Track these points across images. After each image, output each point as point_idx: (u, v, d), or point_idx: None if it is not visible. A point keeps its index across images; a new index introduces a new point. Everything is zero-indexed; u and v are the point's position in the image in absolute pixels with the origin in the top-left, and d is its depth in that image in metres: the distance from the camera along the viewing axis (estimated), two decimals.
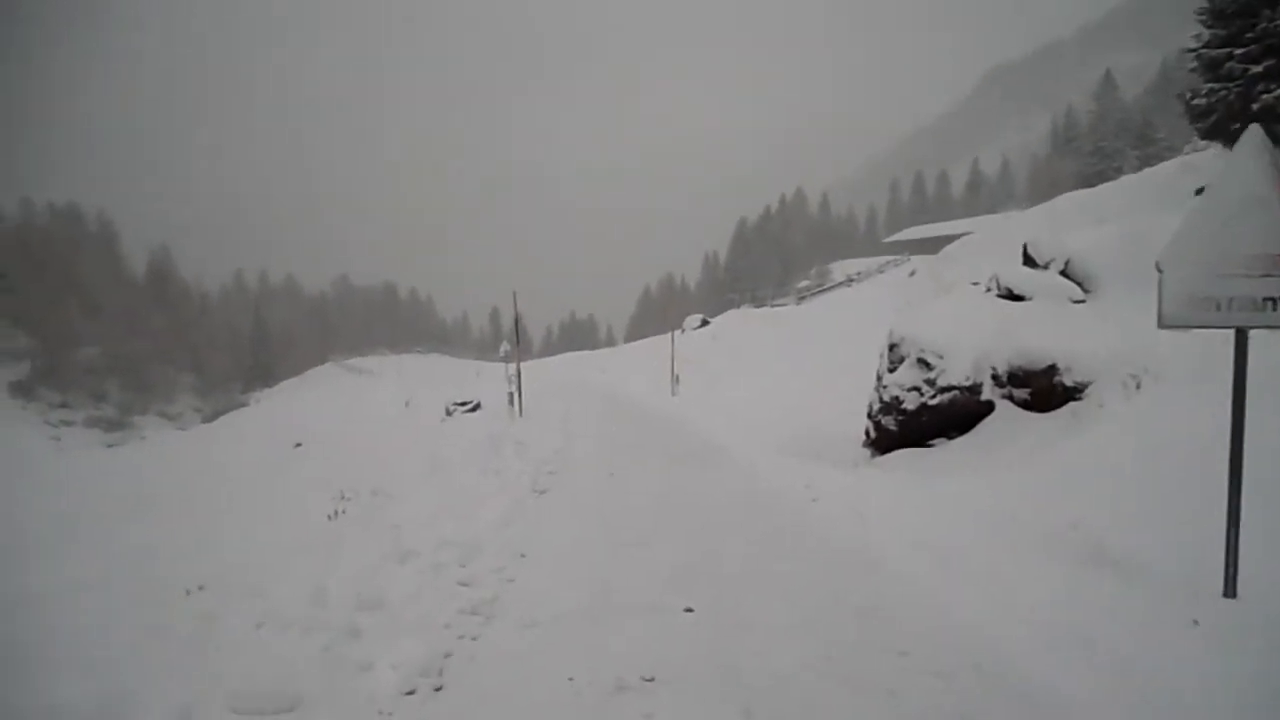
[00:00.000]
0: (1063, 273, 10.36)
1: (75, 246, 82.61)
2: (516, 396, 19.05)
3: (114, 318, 78.34)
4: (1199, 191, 28.01)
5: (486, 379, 48.25)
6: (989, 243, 35.70)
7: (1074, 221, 30.99)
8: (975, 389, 9.15)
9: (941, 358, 9.27)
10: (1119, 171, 58.97)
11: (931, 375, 9.31)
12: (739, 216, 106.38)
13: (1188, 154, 47.50)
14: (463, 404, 31.49)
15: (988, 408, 9.16)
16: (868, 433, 10.41)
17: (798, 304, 50.63)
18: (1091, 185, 47.75)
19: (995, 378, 9.15)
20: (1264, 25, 24.53)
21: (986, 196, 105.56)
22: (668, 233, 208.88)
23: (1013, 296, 10.20)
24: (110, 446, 58.79)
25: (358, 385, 70.24)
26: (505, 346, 49.68)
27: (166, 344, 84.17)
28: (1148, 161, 56.69)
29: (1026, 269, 10.69)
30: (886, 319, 32.63)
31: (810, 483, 8.35)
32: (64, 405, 69.69)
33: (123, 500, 21.06)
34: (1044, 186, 72.69)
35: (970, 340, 9.27)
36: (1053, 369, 8.79)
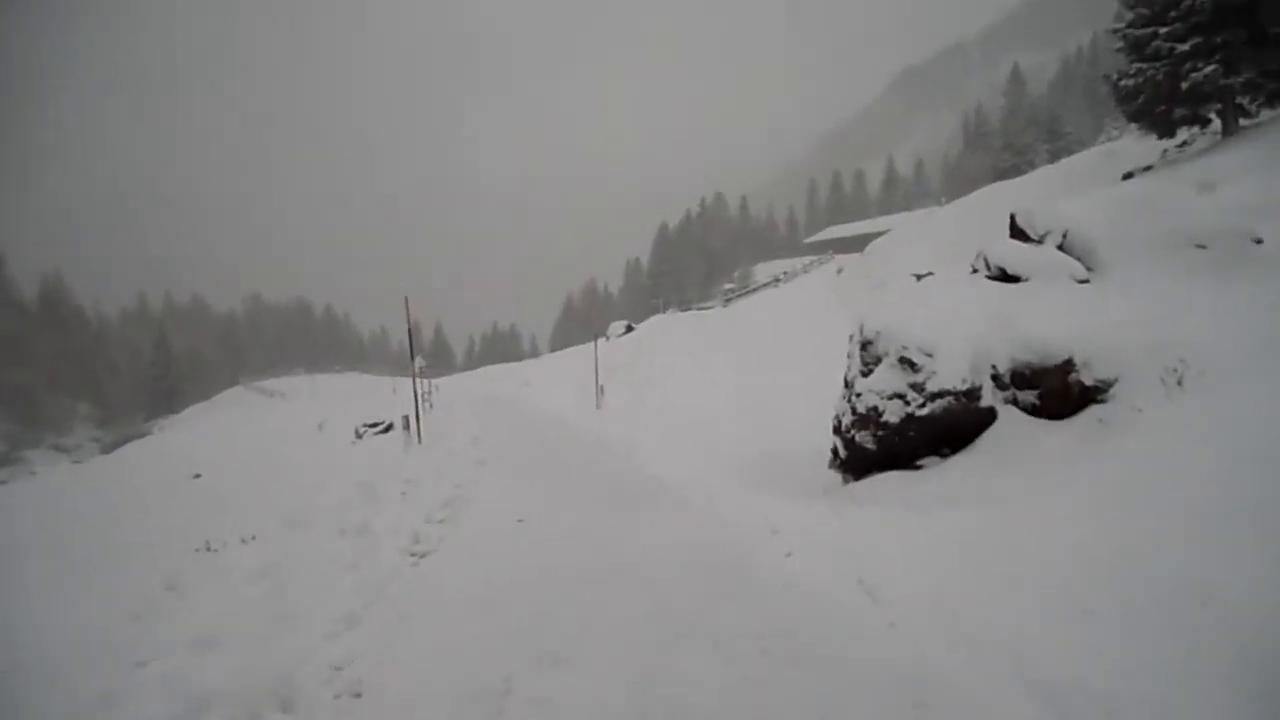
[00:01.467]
0: (1060, 247, 8.64)
1: None
2: (414, 421, 16.60)
3: (1, 346, 73.61)
4: (1127, 176, 27.52)
5: (403, 396, 45.74)
6: (915, 236, 34.81)
7: (1002, 214, 30.05)
8: (973, 393, 7.31)
9: (930, 356, 7.39)
10: (1031, 165, 59.65)
11: (918, 378, 7.42)
12: (659, 221, 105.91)
13: (1102, 143, 48.08)
14: (374, 425, 29.53)
15: (988, 416, 7.34)
16: (836, 451, 8.50)
17: (724, 306, 49.15)
18: (1006, 179, 47.79)
19: (996, 378, 7.34)
20: (1188, 3, 23.88)
21: (903, 195, 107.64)
22: (589, 239, 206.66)
23: (1005, 277, 8.44)
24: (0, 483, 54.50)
25: (268, 408, 67.30)
26: (419, 361, 47.11)
27: (59, 371, 79.84)
28: (1057, 155, 57.44)
29: (1019, 244, 8.94)
30: (823, 316, 31.51)
31: (776, 525, 6.46)
32: None
33: None
34: (959, 183, 74.20)
35: (963, 333, 7.43)
36: (1068, 365, 7.02)
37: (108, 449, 67.46)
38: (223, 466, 29.13)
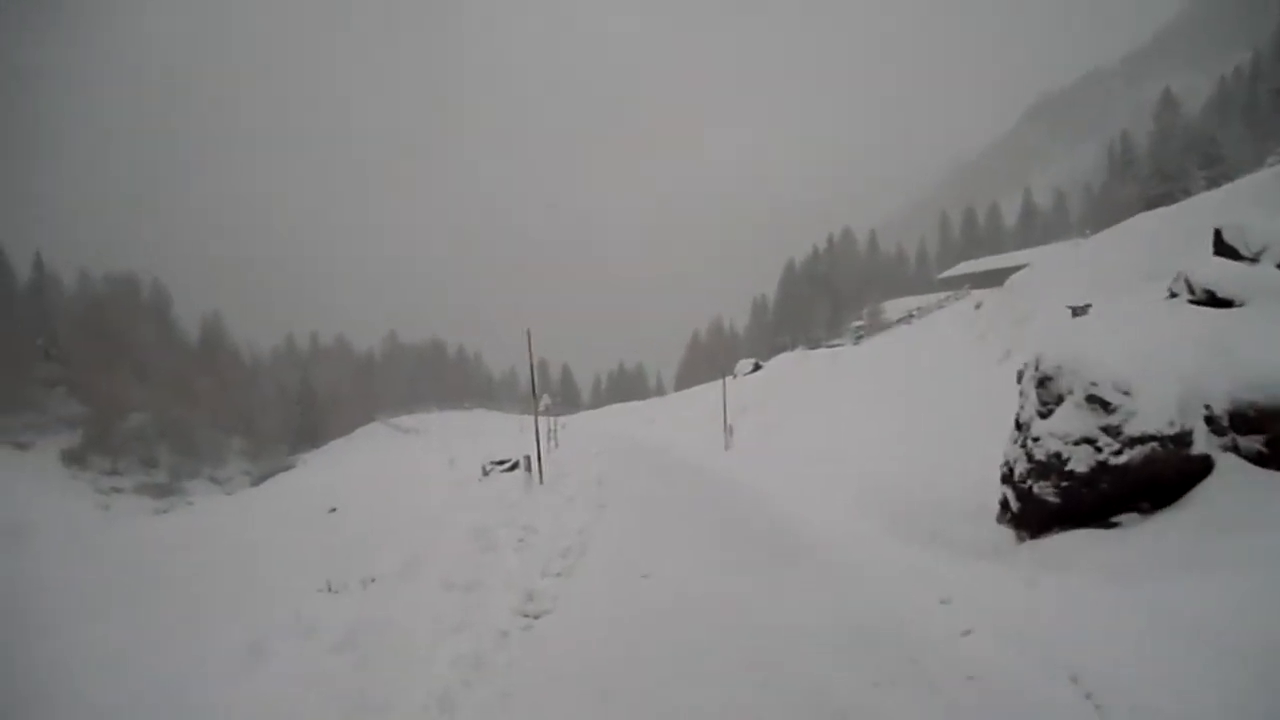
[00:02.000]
0: None
1: (129, 314, 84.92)
2: (535, 462, 16.18)
3: (165, 383, 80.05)
4: None
5: (530, 434, 46.14)
6: (1062, 268, 32.56)
7: (1169, 240, 27.81)
8: (1183, 439, 6.20)
9: (1127, 394, 6.31)
10: (1185, 193, 55.52)
11: (1112, 420, 6.35)
12: (786, 258, 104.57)
13: (1271, 164, 44.13)
14: (500, 463, 29.64)
15: (1202, 465, 6.21)
16: (1005, 504, 7.46)
17: (855, 344, 47.49)
18: (1154, 208, 44.56)
19: (1211, 420, 6.22)
20: None
21: (1041, 228, 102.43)
22: (716, 277, 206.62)
23: (1215, 301, 7.29)
24: (160, 513, 58.28)
25: (402, 443, 69.38)
26: (546, 399, 47.51)
27: (216, 407, 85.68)
28: (1215, 182, 53.29)
29: (1230, 263, 7.72)
30: (963, 353, 29.76)
31: (944, 593, 5.54)
32: (114, 472, 70.08)
33: (116, 585, 19.05)
34: (1104, 213, 70.23)
35: (1168, 366, 6.34)
36: None
37: (256, 481, 71.48)
38: (357, 501, 29.96)
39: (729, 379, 46.90)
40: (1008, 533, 7.40)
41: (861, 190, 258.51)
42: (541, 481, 15.10)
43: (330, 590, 8.73)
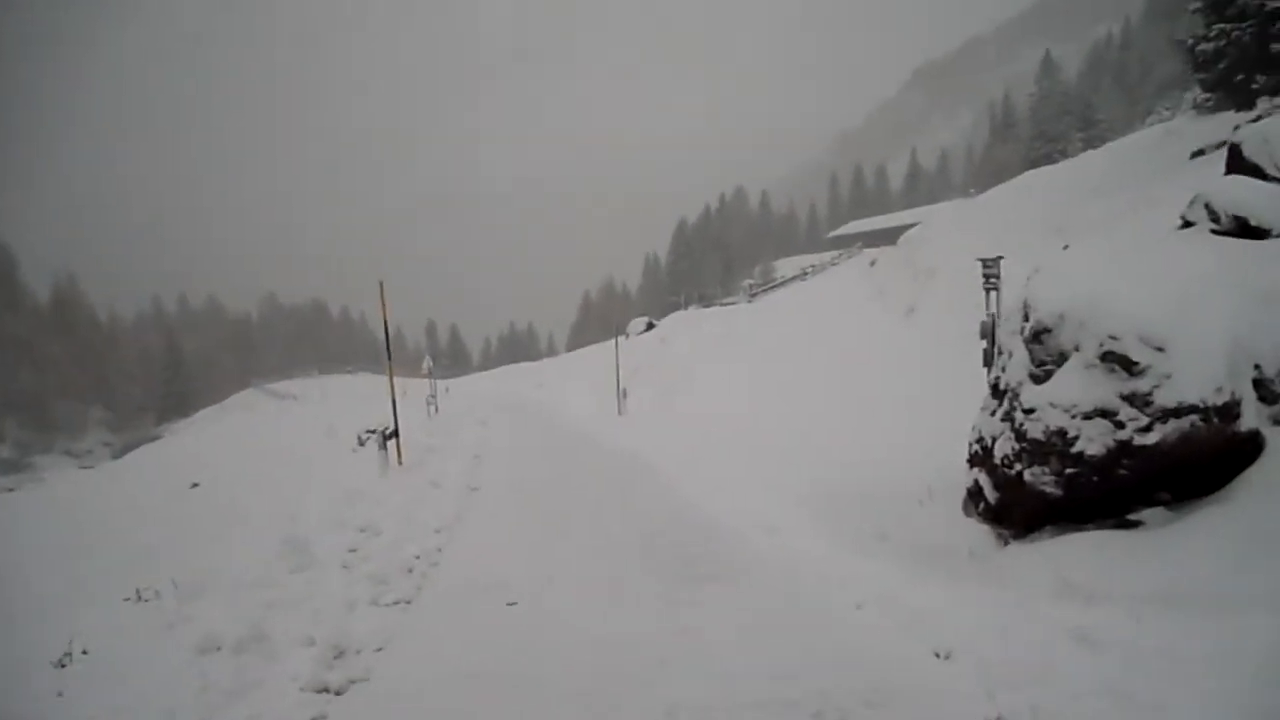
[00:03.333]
0: None
1: None
2: (389, 439, 13.29)
3: (12, 350, 73.23)
4: (1197, 154, 24.67)
5: (414, 397, 43.63)
6: (957, 225, 32.05)
7: (1064, 193, 27.49)
8: (1229, 410, 4.64)
9: (1161, 350, 4.69)
10: (1064, 154, 56.98)
11: (1139, 386, 4.68)
12: (679, 217, 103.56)
13: (1151, 125, 45.15)
14: (375, 430, 27.30)
15: (1250, 445, 4.70)
16: (978, 492, 5.77)
17: (749, 301, 46.43)
18: (1035, 168, 45.13)
19: (1261, 385, 4.72)
20: None
21: (927, 189, 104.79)
22: (606, 237, 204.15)
23: (1247, 231, 5.78)
24: (5, 491, 53.18)
25: (279, 411, 65.73)
26: (429, 361, 44.72)
27: (71, 375, 79.50)
28: (1091, 143, 54.86)
29: (1260, 183, 6.20)
30: (864, 309, 28.80)
31: (937, 640, 3.85)
32: None
33: None
34: (987, 174, 72.00)
35: (1209, 314, 4.80)
36: None
37: (118, 454, 66.59)
38: (221, 475, 27.16)
39: (622, 338, 45.27)
40: (982, 530, 5.81)
41: (754, 154, 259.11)
42: (401, 461, 12.78)
43: (139, 599, 6.68)
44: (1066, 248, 20.91)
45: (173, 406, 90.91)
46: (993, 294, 19.04)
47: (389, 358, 13.53)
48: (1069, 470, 4.89)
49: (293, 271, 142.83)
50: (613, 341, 43.26)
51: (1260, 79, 22.88)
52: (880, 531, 6.10)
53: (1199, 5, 23.69)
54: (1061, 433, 4.89)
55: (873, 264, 36.96)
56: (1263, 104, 24.41)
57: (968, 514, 6.10)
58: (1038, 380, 5.18)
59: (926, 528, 6.05)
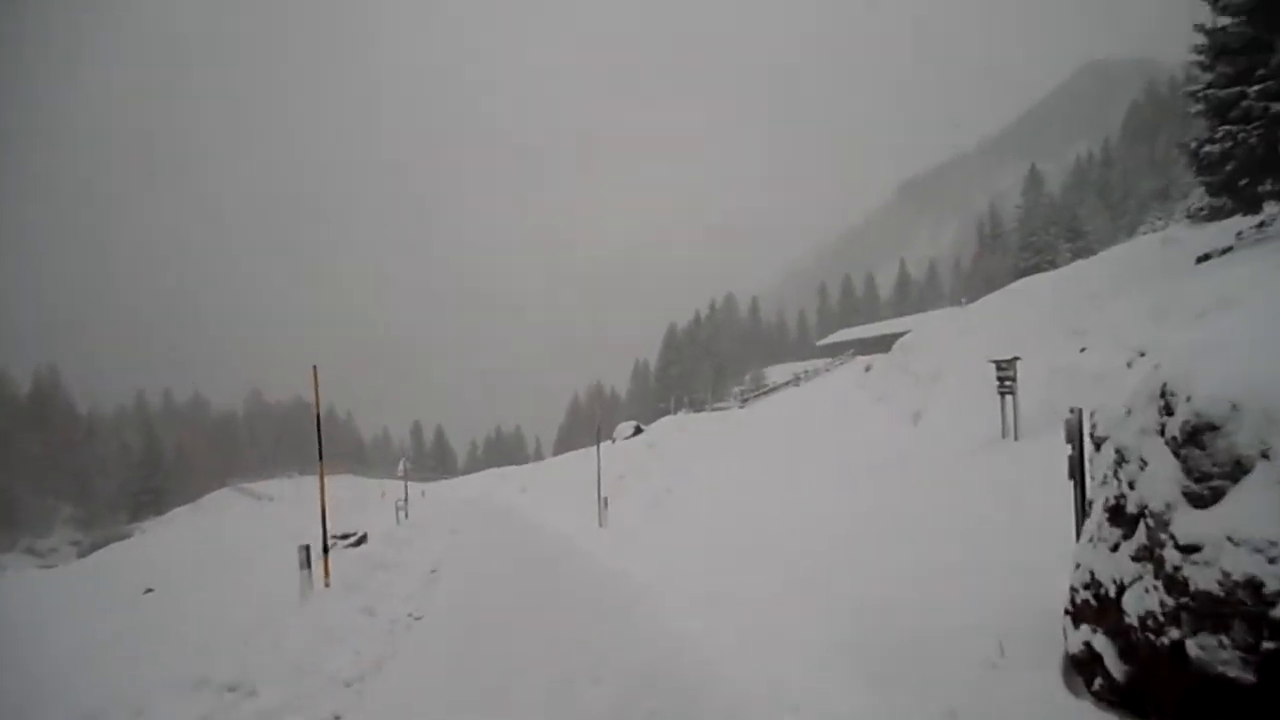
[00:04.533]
0: None
1: None
2: (311, 558, 10.58)
3: None
4: (1202, 259, 23.79)
5: (393, 500, 41.72)
6: (952, 331, 31.12)
7: (1070, 297, 26.50)
8: None
9: None
10: (1052, 264, 57.34)
11: None
12: (668, 323, 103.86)
13: (1144, 234, 45.06)
14: (345, 536, 25.57)
15: None
16: (1091, 661, 4.00)
17: (741, 406, 45.02)
18: (1023, 278, 44.99)
19: None
20: (1278, 60, 20.63)
21: (916, 297, 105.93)
22: (596, 343, 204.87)
23: None
24: None
25: (254, 512, 63.66)
26: (404, 463, 42.86)
27: (44, 471, 77.37)
28: (1079, 254, 55.12)
29: None
30: (864, 416, 27.23)
31: None
32: None
33: None
34: (975, 284, 72.80)
35: None
36: None
37: (85, 551, 64.53)
38: (182, 579, 25.32)
39: (608, 444, 43.52)
40: None
41: (743, 265, 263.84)
42: (328, 584, 10.73)
43: None
44: (1084, 350, 19.74)
45: (148, 504, 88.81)
46: (1008, 397, 17.57)
47: (320, 456, 11.74)
48: (1267, 644, 3.21)
49: (281, 368, 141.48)
50: (603, 445, 41.60)
51: (1268, 183, 22.10)
52: (948, 709, 4.34)
53: (1202, 108, 23.05)
54: (1253, 585, 3.23)
55: (868, 369, 35.92)
56: (1269, 208, 23.68)
57: (1073, 689, 4.33)
58: (1200, 502, 3.55)
59: (1012, 706, 4.30)
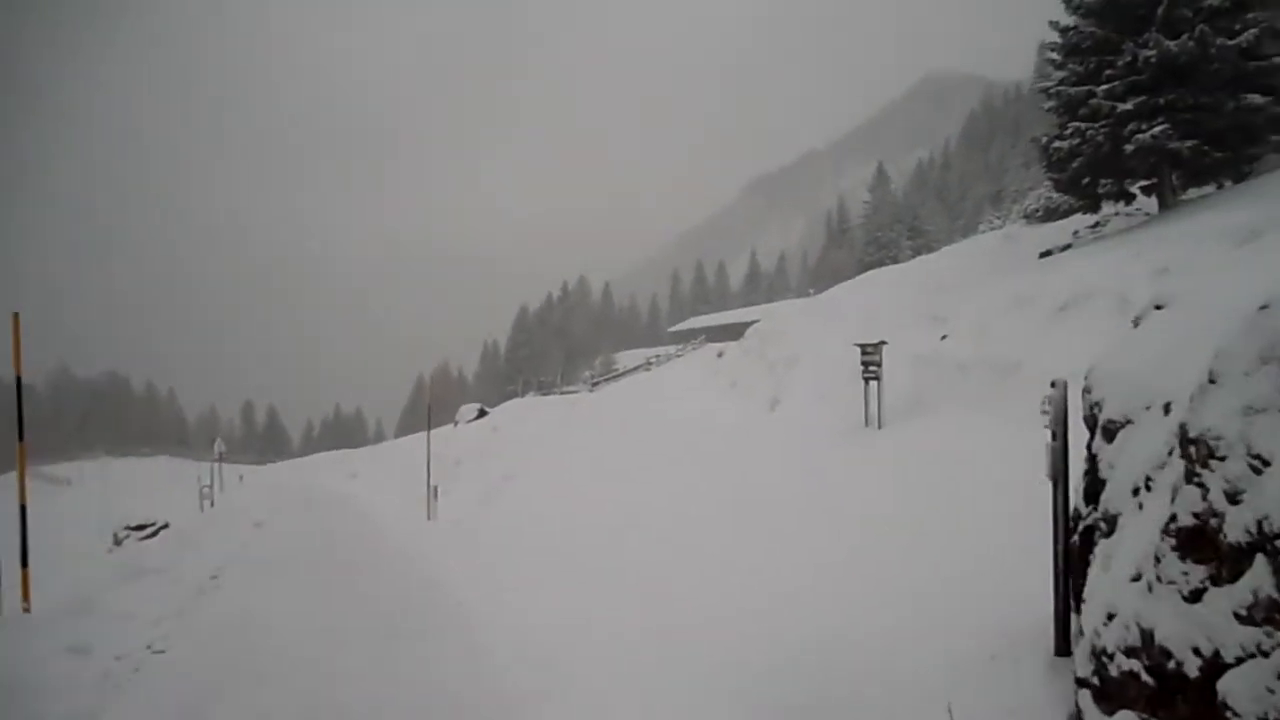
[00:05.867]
0: None
1: None
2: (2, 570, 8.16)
3: None
4: (1044, 254, 24.18)
5: (218, 483, 37.50)
6: (806, 319, 30.75)
7: (921, 286, 26.42)
8: None
9: None
10: (894, 260, 59.25)
11: None
12: (520, 305, 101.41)
13: (982, 232, 46.73)
14: (141, 527, 22.44)
15: None
16: (1120, 694, 2.63)
17: (591, 390, 43.52)
18: (868, 271, 46.12)
19: None
20: (1126, 60, 20.87)
21: (765, 288, 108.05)
22: (445, 323, 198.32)
23: None
24: None
25: (50, 498, 56.62)
26: (218, 444, 38.77)
27: None
28: (919, 251, 57.16)
29: None
30: (718, 402, 26.20)
31: None
32: None
33: None
34: (823, 277, 74.50)
35: None
36: None
37: None
38: None
39: (450, 427, 40.98)
40: None
41: (596, 251, 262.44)
42: (27, 606, 8.02)
43: None
44: (945, 338, 19.29)
45: None
46: (873, 383, 16.73)
47: (20, 435, 9.07)
48: None
49: (93, 340, 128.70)
50: (444, 428, 39.04)
51: (1109, 183, 22.48)
52: None
53: (1054, 105, 23.17)
54: None
55: (720, 355, 35.27)
56: (1107, 207, 24.24)
57: None
58: None
59: None
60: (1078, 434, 4.11)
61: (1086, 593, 3.23)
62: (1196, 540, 2.82)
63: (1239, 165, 20.91)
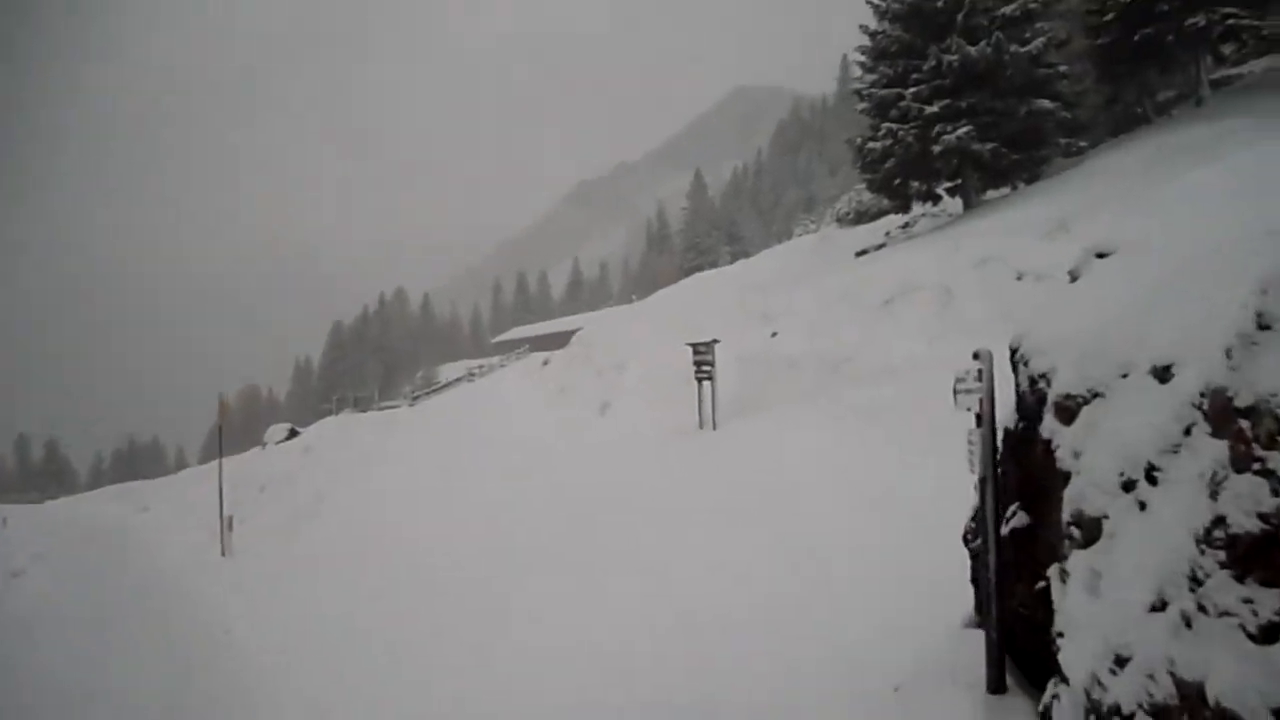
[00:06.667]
0: None
1: None
2: None
3: None
4: (860, 253, 24.99)
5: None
6: (631, 325, 30.45)
7: (736, 291, 26.64)
8: None
9: None
10: (713, 265, 60.39)
11: None
12: (333, 320, 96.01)
13: (799, 236, 48.36)
14: None
15: None
16: None
17: (411, 405, 41.29)
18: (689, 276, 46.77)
19: None
20: (931, 65, 21.79)
21: (588, 296, 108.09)
22: (254, 342, 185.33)
23: None
24: None
25: None
26: None
27: None
28: (737, 256, 58.53)
29: None
30: (547, 407, 25.09)
31: None
32: None
33: None
34: (644, 283, 75.07)
35: None
36: None
37: None
38: None
39: (258, 449, 37.63)
40: None
41: (414, 264, 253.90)
42: None
43: None
44: (775, 335, 19.21)
45: None
46: (706, 383, 16.26)
47: None
48: None
49: None
50: (252, 451, 35.66)
51: (918, 183, 23.35)
52: None
53: (866, 106, 23.83)
54: None
55: (545, 364, 34.39)
56: (918, 207, 25.25)
57: None
58: None
59: None
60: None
61: (1063, 624, 2.47)
62: (1266, 553, 2.02)
63: (1032, 167, 22.18)
